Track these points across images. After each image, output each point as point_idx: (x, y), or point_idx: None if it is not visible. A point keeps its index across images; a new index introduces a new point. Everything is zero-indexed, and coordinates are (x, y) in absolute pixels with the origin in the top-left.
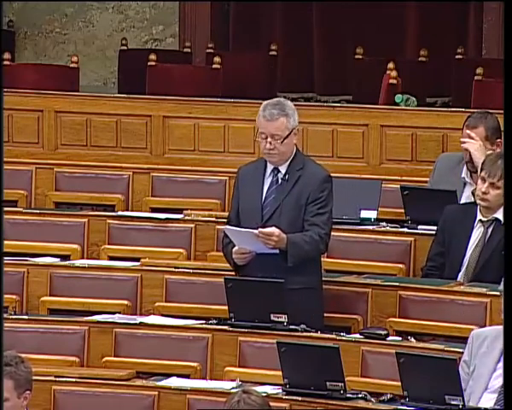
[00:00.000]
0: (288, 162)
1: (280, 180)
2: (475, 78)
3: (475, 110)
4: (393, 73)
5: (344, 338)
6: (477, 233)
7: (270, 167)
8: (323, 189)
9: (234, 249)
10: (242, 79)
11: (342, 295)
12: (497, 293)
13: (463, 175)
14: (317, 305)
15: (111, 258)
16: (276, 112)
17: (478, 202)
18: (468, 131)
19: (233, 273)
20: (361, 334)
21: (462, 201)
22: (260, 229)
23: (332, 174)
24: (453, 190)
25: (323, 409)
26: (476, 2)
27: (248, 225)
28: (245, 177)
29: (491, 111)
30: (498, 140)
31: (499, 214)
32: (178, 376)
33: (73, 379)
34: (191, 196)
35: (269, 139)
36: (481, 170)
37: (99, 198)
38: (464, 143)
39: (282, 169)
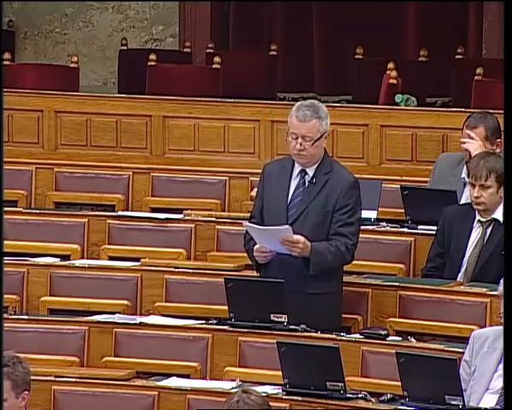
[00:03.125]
0: (316, 165)
1: (307, 183)
2: (475, 78)
3: (475, 110)
4: (393, 73)
5: (344, 338)
6: (476, 234)
7: (297, 168)
8: (351, 195)
9: (255, 247)
10: (242, 79)
11: (342, 296)
12: (497, 293)
13: (463, 175)
14: (336, 310)
15: (111, 258)
16: (310, 113)
17: (474, 207)
18: (467, 131)
19: (233, 273)
20: (361, 334)
21: (463, 200)
22: (286, 236)
23: None
24: (453, 190)
25: (323, 409)
26: (476, 2)
27: (272, 225)
28: (271, 175)
29: (491, 111)
30: (498, 140)
31: (498, 215)
32: (178, 376)
33: (73, 379)
34: (191, 196)
35: (299, 140)
36: (468, 176)
37: (99, 198)
38: (464, 143)
39: (310, 172)
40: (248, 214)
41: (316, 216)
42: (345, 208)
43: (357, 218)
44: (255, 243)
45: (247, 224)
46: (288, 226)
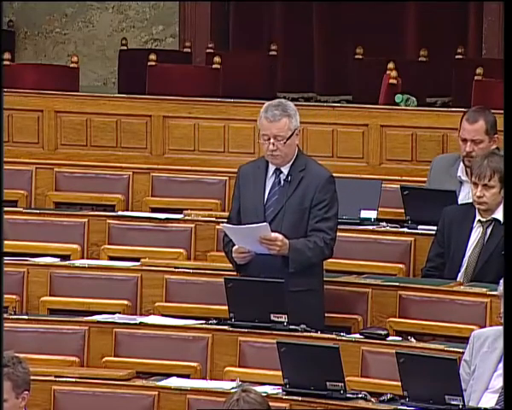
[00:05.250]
0: (291, 163)
1: (282, 181)
2: (475, 78)
3: None
4: (393, 73)
5: (344, 338)
6: (476, 233)
7: (271, 168)
8: (327, 190)
9: (233, 248)
10: (242, 79)
11: (342, 295)
12: (497, 293)
13: (459, 174)
14: (318, 307)
15: (111, 258)
16: (279, 113)
17: (477, 206)
18: (468, 126)
19: (233, 273)
20: (361, 334)
21: (460, 200)
22: (264, 234)
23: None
24: (453, 191)
25: (323, 409)
26: (476, 2)
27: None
28: (246, 176)
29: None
30: (496, 136)
31: (498, 215)
32: (178, 376)
33: (73, 379)
34: (191, 196)
35: (272, 140)
36: (471, 175)
37: (99, 198)
38: (466, 143)
39: (285, 170)
40: None
41: (293, 214)
42: (321, 204)
43: (334, 213)
44: (234, 245)
45: (225, 225)
46: (265, 224)
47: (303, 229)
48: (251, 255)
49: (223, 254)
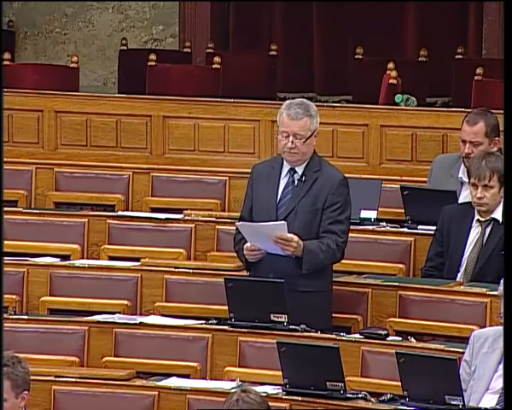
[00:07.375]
0: (305, 164)
1: (296, 181)
2: (475, 78)
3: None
4: (393, 73)
5: (344, 338)
6: (475, 233)
7: (286, 167)
8: (341, 193)
9: (245, 246)
10: (242, 79)
11: (342, 295)
12: (497, 293)
13: (460, 175)
14: (327, 307)
15: (111, 258)
16: (302, 111)
17: (477, 208)
18: (468, 128)
19: (233, 273)
20: (361, 334)
21: (460, 200)
22: (280, 234)
23: None
24: (453, 191)
25: (323, 409)
26: (476, 2)
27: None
28: (260, 175)
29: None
30: (496, 138)
31: (497, 214)
32: (178, 376)
33: (73, 379)
34: (191, 196)
35: (291, 138)
36: (469, 177)
37: (99, 198)
38: (465, 144)
39: (299, 170)
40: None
41: (305, 214)
42: (335, 206)
43: (347, 216)
44: (245, 243)
45: (241, 223)
46: (283, 222)
47: (315, 230)
48: (262, 254)
49: (223, 254)
